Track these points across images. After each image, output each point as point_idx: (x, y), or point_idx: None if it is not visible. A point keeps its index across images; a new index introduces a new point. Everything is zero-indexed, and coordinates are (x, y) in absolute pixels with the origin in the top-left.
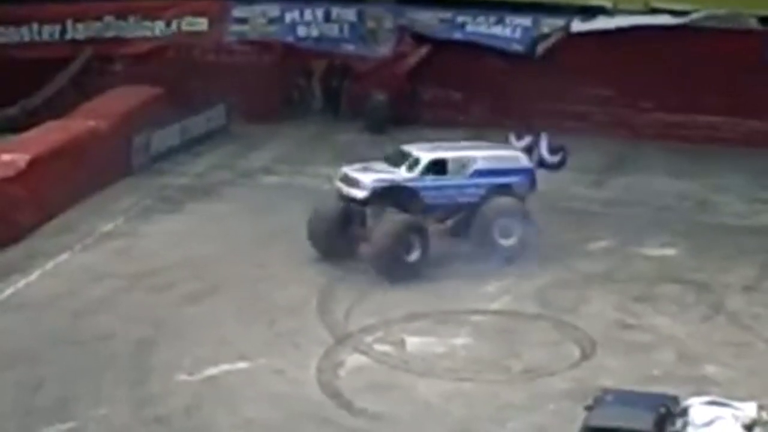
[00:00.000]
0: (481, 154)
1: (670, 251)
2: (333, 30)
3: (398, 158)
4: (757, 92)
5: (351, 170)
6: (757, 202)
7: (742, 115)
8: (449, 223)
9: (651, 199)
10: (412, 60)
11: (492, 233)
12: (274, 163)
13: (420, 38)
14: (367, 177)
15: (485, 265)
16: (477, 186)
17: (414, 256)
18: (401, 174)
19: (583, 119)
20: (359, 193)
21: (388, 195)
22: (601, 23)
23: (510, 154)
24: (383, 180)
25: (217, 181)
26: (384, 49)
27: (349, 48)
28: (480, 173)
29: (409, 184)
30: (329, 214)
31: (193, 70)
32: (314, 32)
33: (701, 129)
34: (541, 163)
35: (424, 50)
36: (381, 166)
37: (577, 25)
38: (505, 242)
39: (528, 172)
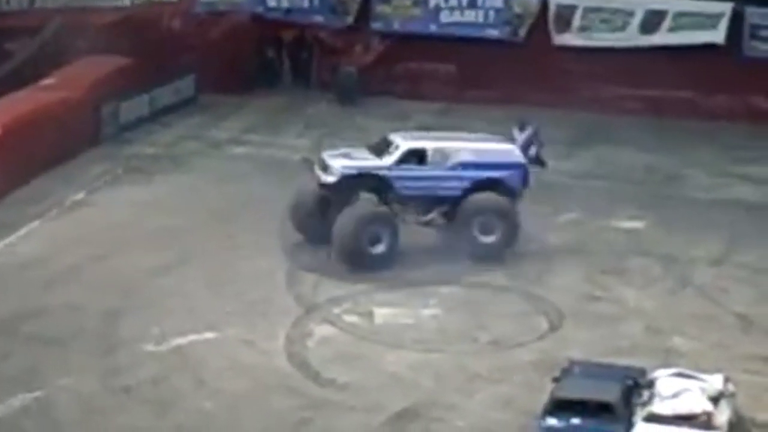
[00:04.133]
0: (468, 146)
1: (638, 224)
2: (302, 1)
3: (382, 146)
4: None
5: (328, 155)
6: (725, 175)
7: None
8: (431, 216)
9: (620, 172)
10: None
11: (471, 229)
12: (243, 133)
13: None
14: (338, 162)
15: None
16: (460, 179)
17: (379, 248)
18: (375, 162)
19: (553, 92)
20: (329, 179)
21: (360, 183)
22: None
23: (501, 147)
24: (352, 167)
25: (186, 152)
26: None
27: (319, 19)
28: (464, 166)
29: (381, 172)
30: (309, 198)
31: (162, 41)
32: (284, 3)
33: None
34: (533, 159)
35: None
36: (361, 152)
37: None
38: (485, 239)
39: (520, 167)
